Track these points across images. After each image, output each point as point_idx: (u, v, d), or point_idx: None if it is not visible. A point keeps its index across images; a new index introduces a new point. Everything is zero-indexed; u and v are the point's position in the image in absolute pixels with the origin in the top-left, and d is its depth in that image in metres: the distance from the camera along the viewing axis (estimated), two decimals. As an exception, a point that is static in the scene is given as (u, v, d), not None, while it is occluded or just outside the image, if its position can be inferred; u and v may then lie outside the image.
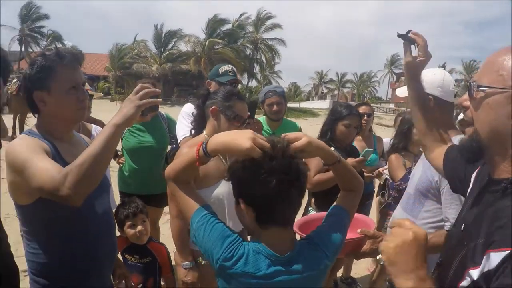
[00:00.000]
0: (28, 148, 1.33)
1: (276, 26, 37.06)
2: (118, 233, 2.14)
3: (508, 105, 0.85)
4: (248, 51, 37.40)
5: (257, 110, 3.41)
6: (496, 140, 0.90)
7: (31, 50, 37.87)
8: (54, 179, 1.21)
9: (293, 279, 1.09)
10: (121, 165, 3.12)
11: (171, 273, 2.37)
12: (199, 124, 2.08)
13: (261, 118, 3.15)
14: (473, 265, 0.83)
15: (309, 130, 4.90)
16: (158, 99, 1.39)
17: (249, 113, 2.08)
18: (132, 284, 2.16)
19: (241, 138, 1.03)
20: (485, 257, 0.80)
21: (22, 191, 1.37)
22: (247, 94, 34.80)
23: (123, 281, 2.01)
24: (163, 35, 34.60)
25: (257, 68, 39.09)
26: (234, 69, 2.88)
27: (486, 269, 0.79)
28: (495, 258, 0.77)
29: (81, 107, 1.48)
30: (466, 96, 1.00)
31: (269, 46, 37.40)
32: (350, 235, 1.42)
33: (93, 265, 1.52)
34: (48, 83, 1.42)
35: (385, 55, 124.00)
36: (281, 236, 1.13)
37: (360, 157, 2.53)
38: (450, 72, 44.09)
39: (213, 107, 1.87)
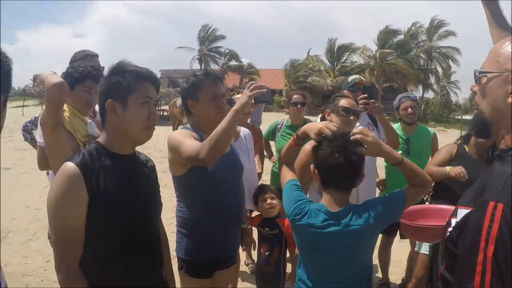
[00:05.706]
0: (181, 135, 1.92)
1: (450, 33, 35.15)
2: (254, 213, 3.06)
3: (504, 86, 0.98)
4: (421, 61, 36.15)
5: (389, 117, 3.80)
6: (498, 117, 1.03)
7: (210, 68, 42.62)
8: (195, 149, 1.74)
9: (341, 230, 1.49)
10: (273, 163, 4.03)
11: (295, 246, 2.84)
12: None
13: (395, 125, 3.45)
14: (453, 216, 1.06)
15: None
16: (263, 89, 1.79)
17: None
18: (262, 251, 2.73)
19: (318, 124, 1.68)
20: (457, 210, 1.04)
21: (178, 164, 1.96)
22: (423, 106, 33.42)
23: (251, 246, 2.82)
24: (335, 49, 35.67)
25: (432, 79, 37.39)
26: (361, 77, 3.39)
27: (457, 221, 1.01)
28: (460, 213, 1.00)
29: (220, 112, 1.99)
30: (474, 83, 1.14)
31: (444, 54, 35.52)
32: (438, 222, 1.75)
33: (221, 223, 2.03)
34: (196, 95, 2.02)
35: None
36: (336, 198, 1.54)
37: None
38: None
39: (326, 111, 2.39)
